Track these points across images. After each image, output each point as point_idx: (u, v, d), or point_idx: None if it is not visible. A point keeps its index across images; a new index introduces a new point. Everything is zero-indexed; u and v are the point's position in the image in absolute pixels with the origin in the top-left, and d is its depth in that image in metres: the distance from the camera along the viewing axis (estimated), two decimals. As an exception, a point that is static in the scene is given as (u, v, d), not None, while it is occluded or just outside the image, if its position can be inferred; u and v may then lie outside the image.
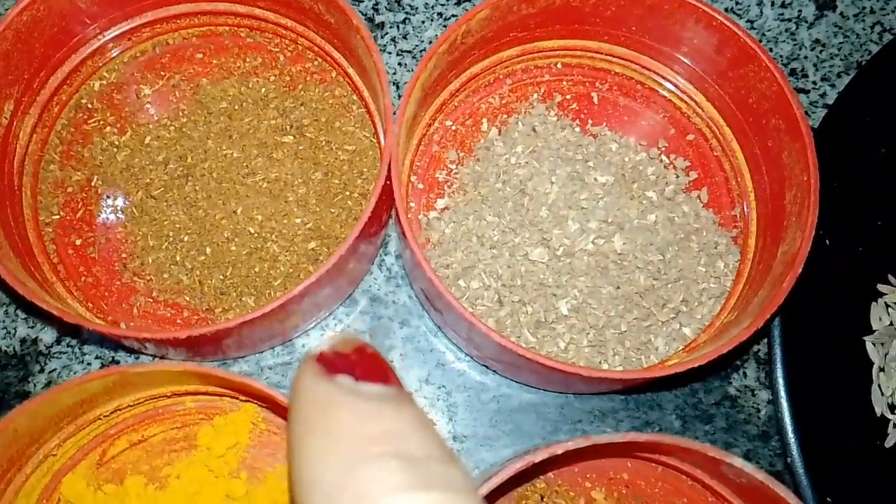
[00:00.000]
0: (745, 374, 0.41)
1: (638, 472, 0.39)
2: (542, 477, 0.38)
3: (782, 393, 0.37)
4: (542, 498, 0.38)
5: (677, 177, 0.42)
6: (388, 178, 0.34)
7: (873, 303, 0.40)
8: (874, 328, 0.40)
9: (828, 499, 0.36)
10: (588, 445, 0.32)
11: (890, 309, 0.40)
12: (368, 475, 0.17)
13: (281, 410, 0.35)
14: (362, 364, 0.20)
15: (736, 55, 0.38)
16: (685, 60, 0.41)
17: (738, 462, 0.32)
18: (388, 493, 0.17)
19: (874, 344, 0.39)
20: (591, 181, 0.40)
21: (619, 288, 0.39)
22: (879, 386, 0.39)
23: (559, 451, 0.32)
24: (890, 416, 0.39)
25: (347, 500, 0.17)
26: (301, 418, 0.19)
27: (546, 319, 0.39)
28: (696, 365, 0.33)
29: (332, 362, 0.20)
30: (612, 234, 0.38)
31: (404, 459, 0.17)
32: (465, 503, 0.17)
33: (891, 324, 0.40)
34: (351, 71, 0.41)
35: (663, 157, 0.42)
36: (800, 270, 0.34)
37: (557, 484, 0.38)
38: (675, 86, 0.42)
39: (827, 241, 0.39)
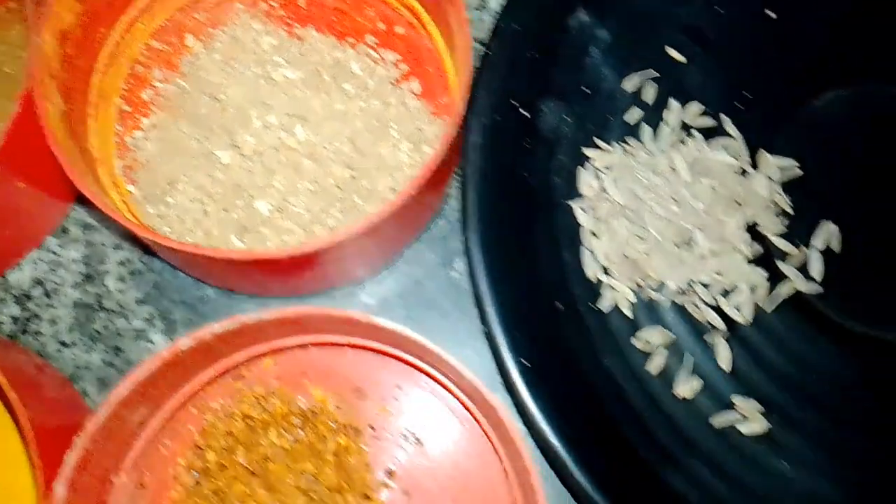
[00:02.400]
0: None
1: (356, 362, 0.38)
2: (261, 382, 0.38)
3: (477, 261, 0.36)
4: (257, 400, 0.37)
5: (387, 70, 0.41)
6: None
7: (580, 167, 0.40)
8: (583, 194, 0.39)
9: (523, 361, 0.36)
10: (238, 326, 0.32)
11: (600, 173, 0.39)
12: None
13: None
14: None
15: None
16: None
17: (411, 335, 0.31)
18: None
19: (583, 209, 0.39)
20: (279, 79, 0.39)
21: (317, 182, 0.38)
22: (592, 251, 0.39)
23: (207, 337, 0.31)
24: (603, 278, 0.38)
25: None
26: None
27: (250, 223, 0.38)
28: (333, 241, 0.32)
29: None
30: (293, 126, 0.38)
31: None
32: None
33: (602, 189, 0.39)
34: None
35: (371, 52, 0.42)
36: (453, 133, 0.34)
37: (276, 387, 0.38)
38: (377, -21, 0.42)
39: (522, 111, 0.39)
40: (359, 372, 0.38)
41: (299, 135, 0.37)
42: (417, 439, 0.38)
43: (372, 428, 0.38)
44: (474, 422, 0.37)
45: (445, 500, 0.37)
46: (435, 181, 0.35)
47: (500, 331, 0.36)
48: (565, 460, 0.34)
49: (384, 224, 0.34)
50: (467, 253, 0.37)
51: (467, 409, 0.37)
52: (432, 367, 0.36)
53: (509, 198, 0.38)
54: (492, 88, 0.39)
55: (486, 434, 0.36)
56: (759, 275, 0.38)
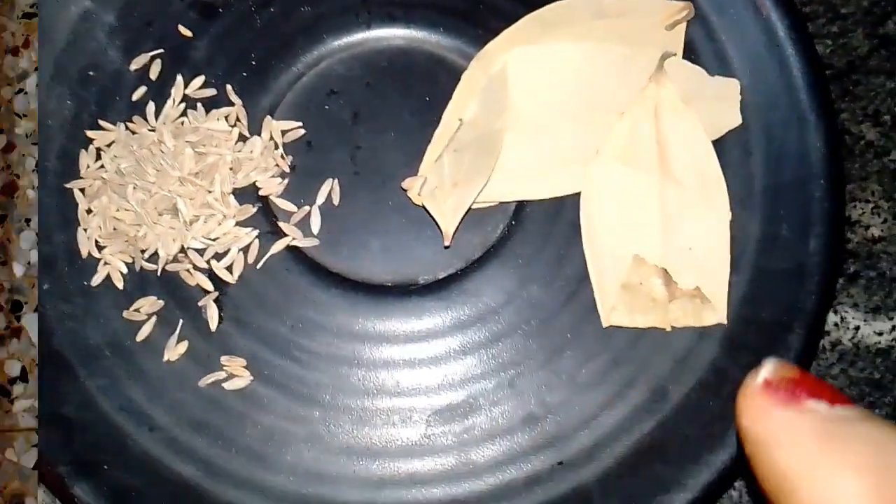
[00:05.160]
0: None
1: None
2: None
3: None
4: None
5: None
6: None
7: (84, 150, 0.40)
8: (81, 175, 0.40)
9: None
10: None
11: (101, 152, 0.40)
12: None
13: None
14: (823, 388, 0.19)
15: None
16: None
17: None
18: None
19: (82, 190, 0.40)
20: None
21: None
22: (86, 229, 0.39)
23: None
24: (97, 254, 0.39)
25: None
26: (797, 458, 0.18)
27: None
28: None
29: (793, 391, 0.19)
30: None
31: None
32: None
33: (101, 167, 0.40)
34: None
35: None
36: None
37: None
38: None
39: None
40: None
41: None
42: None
43: None
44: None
45: None
46: None
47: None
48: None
49: None
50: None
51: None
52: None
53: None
54: (-26, 81, 0.39)
55: None
56: (250, 235, 0.39)
